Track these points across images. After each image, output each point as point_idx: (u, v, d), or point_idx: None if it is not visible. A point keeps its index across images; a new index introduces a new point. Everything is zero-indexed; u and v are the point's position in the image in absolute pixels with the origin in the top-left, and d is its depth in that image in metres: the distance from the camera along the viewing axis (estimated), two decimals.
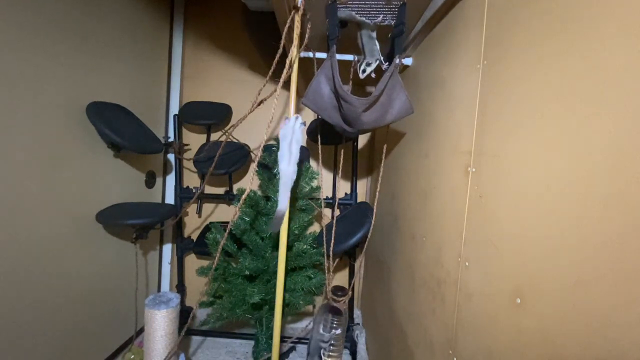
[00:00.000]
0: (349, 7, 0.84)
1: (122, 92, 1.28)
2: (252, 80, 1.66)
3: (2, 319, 0.86)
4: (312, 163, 1.65)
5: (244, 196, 0.89)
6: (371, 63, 0.90)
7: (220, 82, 1.67)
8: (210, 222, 1.57)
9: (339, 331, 1.04)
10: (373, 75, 0.91)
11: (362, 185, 1.69)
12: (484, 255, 0.53)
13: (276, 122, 1.60)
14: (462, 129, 0.65)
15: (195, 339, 1.52)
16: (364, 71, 0.90)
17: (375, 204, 1.26)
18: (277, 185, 1.28)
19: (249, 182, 0.93)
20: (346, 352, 1.41)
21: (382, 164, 1.16)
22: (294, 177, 0.82)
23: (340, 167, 1.23)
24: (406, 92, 0.83)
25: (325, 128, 1.25)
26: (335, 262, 1.20)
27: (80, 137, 1.09)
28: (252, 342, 1.46)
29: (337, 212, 1.53)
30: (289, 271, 1.30)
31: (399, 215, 1.05)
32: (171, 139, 1.60)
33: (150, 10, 1.44)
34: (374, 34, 0.87)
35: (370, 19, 0.88)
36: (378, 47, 0.90)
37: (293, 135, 0.80)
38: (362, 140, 1.67)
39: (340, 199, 1.51)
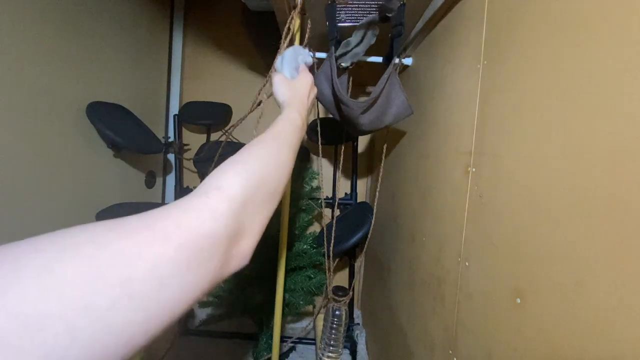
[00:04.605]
0: (348, 7, 0.84)
1: (122, 92, 1.28)
2: (252, 80, 1.66)
3: None
4: (312, 163, 1.65)
5: None
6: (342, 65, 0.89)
7: (220, 82, 1.67)
8: None
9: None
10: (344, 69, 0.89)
11: (362, 185, 1.69)
12: (484, 255, 0.53)
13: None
14: (462, 129, 0.65)
15: (195, 339, 1.52)
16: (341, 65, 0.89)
17: (375, 204, 1.26)
18: None
19: None
20: (346, 352, 1.41)
21: (382, 164, 1.16)
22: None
23: (340, 167, 1.23)
24: (405, 93, 0.83)
25: (325, 128, 1.24)
26: (335, 262, 1.20)
27: (80, 137, 1.09)
28: (252, 342, 1.46)
29: (337, 212, 1.53)
30: (289, 271, 1.30)
31: (398, 215, 1.05)
32: (171, 139, 1.60)
33: (150, 10, 1.44)
34: (374, 39, 0.86)
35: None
36: (361, 52, 0.87)
37: (294, 58, 0.65)
38: (363, 140, 1.67)
39: (340, 199, 1.51)
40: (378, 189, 1.20)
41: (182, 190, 1.60)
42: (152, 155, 1.48)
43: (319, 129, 1.05)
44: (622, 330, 0.29)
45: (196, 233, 0.25)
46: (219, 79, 1.67)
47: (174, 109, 1.61)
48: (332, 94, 0.84)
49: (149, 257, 0.22)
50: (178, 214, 0.26)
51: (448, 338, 0.62)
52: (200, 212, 0.26)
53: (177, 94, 1.63)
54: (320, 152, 1.09)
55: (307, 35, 0.83)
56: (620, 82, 0.31)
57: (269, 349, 1.32)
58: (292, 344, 1.48)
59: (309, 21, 0.84)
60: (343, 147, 1.31)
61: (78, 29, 1.06)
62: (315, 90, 0.64)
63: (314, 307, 1.52)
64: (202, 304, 1.29)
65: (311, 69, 0.69)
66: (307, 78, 0.62)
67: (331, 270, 1.15)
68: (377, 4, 0.82)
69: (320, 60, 0.91)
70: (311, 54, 0.72)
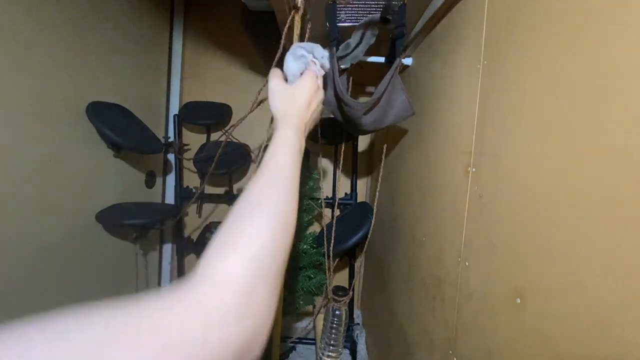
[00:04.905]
0: (348, 7, 0.84)
1: (122, 92, 1.28)
2: (252, 80, 1.66)
3: (1, 322, 0.86)
4: (312, 163, 1.65)
5: None
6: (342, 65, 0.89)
7: (220, 82, 1.67)
8: (211, 222, 1.57)
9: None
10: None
11: (362, 185, 1.69)
12: (484, 255, 0.53)
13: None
14: (462, 129, 0.65)
15: None
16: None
17: (375, 204, 1.26)
18: None
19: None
20: (346, 352, 1.41)
21: (382, 164, 1.16)
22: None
23: (340, 167, 1.23)
24: (405, 93, 0.83)
25: (326, 128, 1.24)
26: (335, 262, 1.20)
27: (80, 137, 1.09)
28: None
29: (337, 212, 1.53)
30: (288, 271, 1.30)
31: (399, 215, 1.05)
32: (171, 139, 1.60)
33: (150, 10, 1.44)
34: (373, 40, 0.86)
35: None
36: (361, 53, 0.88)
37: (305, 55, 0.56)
38: (363, 140, 1.67)
39: (340, 199, 1.51)
40: (378, 189, 1.20)
41: (182, 190, 1.60)
42: (152, 155, 1.48)
43: (319, 129, 1.05)
44: (622, 330, 0.29)
45: (202, 341, 0.22)
46: (219, 79, 1.67)
47: (174, 109, 1.61)
48: (334, 94, 0.84)
49: None
50: (182, 312, 0.23)
51: (448, 338, 0.62)
52: (207, 315, 0.23)
53: (177, 94, 1.63)
54: (320, 152, 1.09)
55: (307, 35, 0.83)
56: (620, 82, 0.31)
57: (269, 349, 1.32)
58: (292, 344, 1.48)
59: (309, 21, 0.84)
60: (343, 147, 1.31)
61: (78, 29, 1.06)
62: (319, 97, 0.53)
63: (314, 307, 1.52)
64: None
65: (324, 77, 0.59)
66: (308, 83, 0.51)
67: (331, 270, 1.15)
68: (377, 4, 0.82)
69: None
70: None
